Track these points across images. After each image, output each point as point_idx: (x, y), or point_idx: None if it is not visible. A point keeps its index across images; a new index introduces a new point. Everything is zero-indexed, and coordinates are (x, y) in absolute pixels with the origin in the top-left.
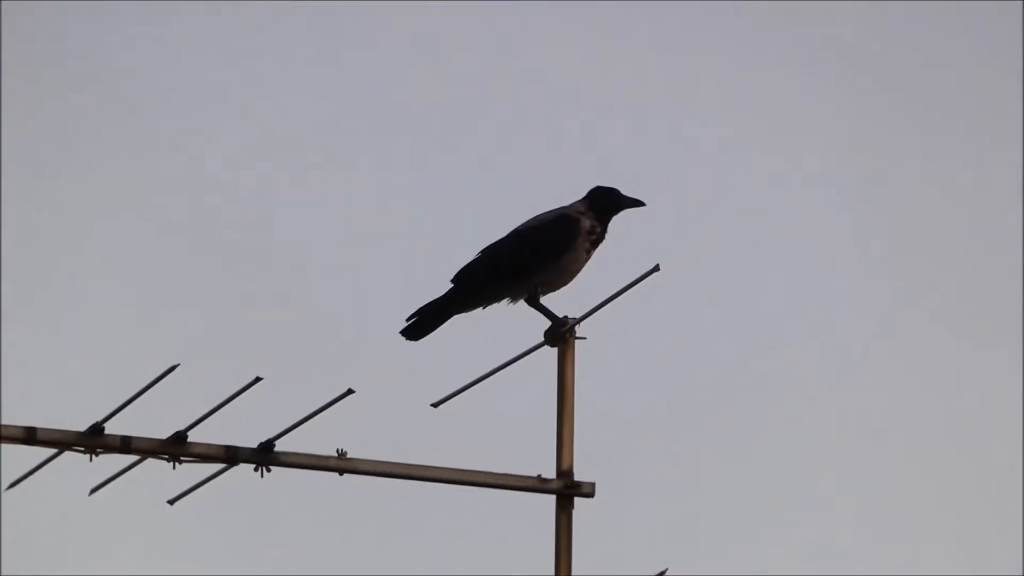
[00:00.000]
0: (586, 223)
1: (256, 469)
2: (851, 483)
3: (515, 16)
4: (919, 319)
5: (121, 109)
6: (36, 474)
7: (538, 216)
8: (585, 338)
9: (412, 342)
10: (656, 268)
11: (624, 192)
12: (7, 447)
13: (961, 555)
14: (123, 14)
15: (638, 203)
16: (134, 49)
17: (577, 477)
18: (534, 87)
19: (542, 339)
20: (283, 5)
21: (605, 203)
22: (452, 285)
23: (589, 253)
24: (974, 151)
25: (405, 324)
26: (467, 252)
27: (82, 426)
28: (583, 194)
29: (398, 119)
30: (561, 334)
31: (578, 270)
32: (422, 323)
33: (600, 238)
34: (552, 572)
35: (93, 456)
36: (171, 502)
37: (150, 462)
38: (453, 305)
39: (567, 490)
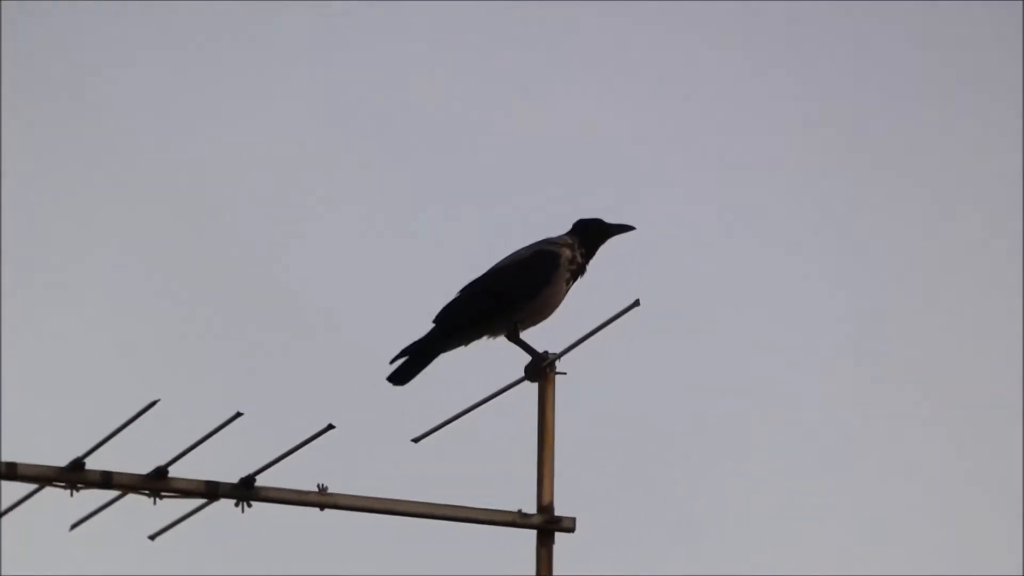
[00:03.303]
0: (567, 253)
1: (237, 504)
2: (833, 507)
3: (496, 57)
4: (899, 358)
5: (99, 131)
6: (17, 509)
7: (517, 252)
8: (565, 373)
9: (399, 387)
10: (636, 303)
11: (607, 220)
12: None
13: (960, 555)
14: (124, 17)
15: (626, 228)
16: (133, 53)
17: (557, 512)
18: (516, 121)
19: (523, 374)
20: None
21: (591, 233)
22: (433, 325)
23: (569, 284)
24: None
25: (391, 368)
26: (450, 289)
27: (63, 461)
28: (568, 227)
29: (383, 160)
30: (541, 369)
31: (558, 303)
32: (408, 367)
33: (581, 269)
34: None
35: (74, 491)
36: (152, 537)
37: (131, 497)
38: (435, 345)
39: (547, 525)
